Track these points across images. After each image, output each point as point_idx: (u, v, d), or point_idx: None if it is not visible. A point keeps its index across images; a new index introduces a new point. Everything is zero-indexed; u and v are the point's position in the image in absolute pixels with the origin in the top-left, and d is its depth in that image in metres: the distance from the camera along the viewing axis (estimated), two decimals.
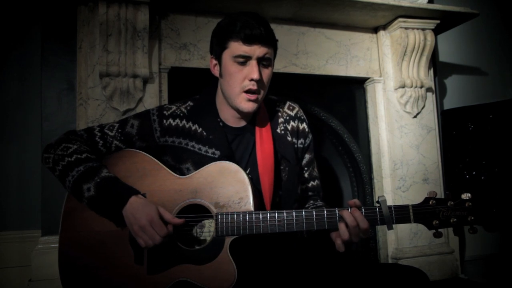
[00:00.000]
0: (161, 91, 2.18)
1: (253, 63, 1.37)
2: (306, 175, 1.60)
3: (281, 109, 1.59)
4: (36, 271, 1.99)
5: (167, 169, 1.39)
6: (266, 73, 1.42)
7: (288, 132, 1.55)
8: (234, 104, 1.43)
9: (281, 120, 1.56)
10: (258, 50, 1.37)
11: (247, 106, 1.41)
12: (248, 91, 1.39)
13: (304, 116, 1.62)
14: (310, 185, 1.61)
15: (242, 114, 1.48)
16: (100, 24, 2.02)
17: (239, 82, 1.39)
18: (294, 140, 1.56)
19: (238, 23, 1.37)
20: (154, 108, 1.54)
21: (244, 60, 1.38)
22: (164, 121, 1.47)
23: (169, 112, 1.49)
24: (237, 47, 1.37)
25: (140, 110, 2.05)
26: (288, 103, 1.62)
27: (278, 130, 1.53)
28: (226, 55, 1.40)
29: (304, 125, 1.60)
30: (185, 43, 2.26)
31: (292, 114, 1.59)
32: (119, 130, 1.47)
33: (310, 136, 1.61)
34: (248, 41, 1.35)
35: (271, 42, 1.41)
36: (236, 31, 1.36)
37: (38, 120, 2.17)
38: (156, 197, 1.34)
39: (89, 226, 1.36)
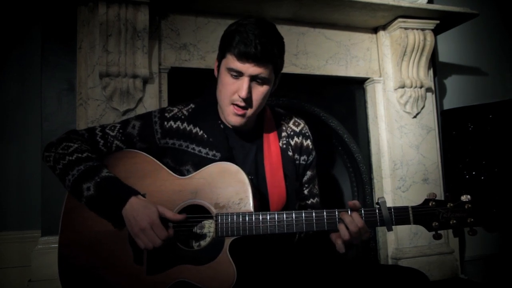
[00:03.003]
0: (161, 91, 2.18)
1: (244, 80, 1.34)
2: (306, 192, 1.59)
3: (286, 124, 1.58)
4: (36, 271, 1.99)
5: (167, 169, 1.39)
6: (259, 91, 1.38)
7: (290, 147, 1.54)
8: (223, 115, 1.43)
9: (284, 134, 1.55)
10: (251, 69, 1.33)
11: (234, 120, 1.39)
12: (236, 105, 1.37)
13: (309, 133, 1.61)
14: (309, 202, 1.60)
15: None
16: (100, 24, 2.02)
17: (229, 94, 1.37)
18: (296, 156, 1.55)
19: (237, 36, 1.33)
20: (156, 110, 1.53)
21: (236, 74, 1.35)
22: (165, 123, 1.46)
23: (170, 114, 1.48)
24: (231, 61, 1.34)
25: (140, 111, 2.06)
26: (294, 118, 1.61)
27: (280, 144, 1.52)
28: (223, 64, 1.39)
29: (309, 142, 1.58)
30: (185, 43, 2.26)
31: (297, 130, 1.58)
32: (121, 131, 1.47)
33: (314, 153, 1.60)
34: (240, 58, 1.32)
35: (269, 61, 1.34)
36: (233, 45, 1.33)
37: (38, 120, 2.17)
38: (156, 198, 1.34)
39: (89, 226, 1.36)
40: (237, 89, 1.35)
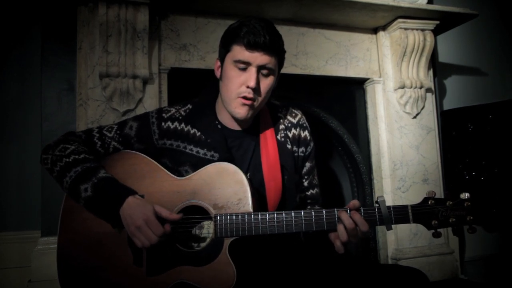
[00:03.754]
0: (160, 92, 2.18)
1: (252, 70, 1.35)
2: (306, 183, 1.59)
3: (283, 116, 1.57)
4: (36, 271, 1.99)
5: (165, 170, 1.39)
6: (266, 82, 1.39)
7: (288, 140, 1.53)
8: (229, 109, 1.41)
9: (282, 127, 1.54)
10: (259, 58, 1.34)
11: (241, 111, 1.38)
12: (243, 98, 1.37)
13: (307, 124, 1.60)
14: (309, 193, 1.60)
15: (237, 120, 1.46)
16: (100, 25, 2.02)
17: (236, 87, 1.37)
18: (295, 148, 1.54)
19: (244, 28, 1.35)
20: (153, 110, 1.53)
21: (244, 66, 1.36)
22: (163, 123, 1.46)
23: (168, 115, 1.48)
24: (238, 51, 1.36)
25: (140, 111, 2.05)
26: (290, 109, 1.60)
27: (279, 137, 1.52)
28: (228, 58, 1.39)
29: (306, 133, 1.58)
30: (185, 43, 2.26)
31: (294, 121, 1.57)
32: (118, 132, 1.47)
33: (312, 144, 1.59)
34: (250, 47, 1.33)
35: (275, 51, 1.37)
36: (241, 36, 1.34)
37: (38, 120, 2.17)
38: (154, 199, 1.34)
39: (88, 226, 1.36)
40: (245, 81, 1.36)
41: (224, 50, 1.42)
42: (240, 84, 1.37)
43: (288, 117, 1.58)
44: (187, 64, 2.25)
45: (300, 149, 1.56)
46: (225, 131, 1.48)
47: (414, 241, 2.54)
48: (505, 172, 2.57)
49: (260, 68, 1.36)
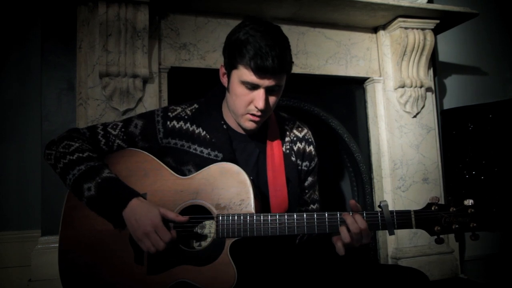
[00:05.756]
0: (160, 91, 2.18)
1: (260, 92, 1.33)
2: (306, 197, 1.59)
3: (289, 129, 1.57)
4: (36, 271, 1.99)
5: (168, 169, 1.39)
6: (273, 99, 1.37)
7: (293, 153, 1.53)
8: (237, 121, 1.43)
9: (287, 139, 1.54)
10: (268, 81, 1.31)
11: (250, 125, 1.40)
12: (252, 114, 1.37)
13: (312, 139, 1.60)
14: (310, 208, 1.59)
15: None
16: (100, 24, 2.01)
17: (244, 105, 1.36)
18: (299, 162, 1.54)
19: (250, 48, 1.28)
20: (159, 109, 1.52)
21: (252, 86, 1.33)
22: (168, 122, 1.46)
23: (173, 114, 1.48)
24: (246, 74, 1.31)
25: (140, 110, 2.05)
26: (297, 123, 1.60)
27: (284, 149, 1.52)
28: (235, 75, 1.35)
29: (311, 148, 1.58)
30: (185, 43, 2.25)
31: (300, 135, 1.58)
32: (122, 129, 1.46)
33: (316, 159, 1.59)
34: (258, 72, 1.29)
35: (283, 71, 1.34)
36: (248, 58, 1.28)
37: (38, 120, 2.17)
38: (157, 197, 1.34)
39: (90, 224, 1.36)
40: (253, 99, 1.34)
41: (230, 63, 1.36)
42: (248, 102, 1.35)
43: (294, 131, 1.58)
44: (187, 64, 2.25)
45: (304, 163, 1.56)
46: (230, 133, 1.48)
47: (414, 240, 2.54)
48: (505, 171, 2.57)
49: (268, 88, 1.34)
